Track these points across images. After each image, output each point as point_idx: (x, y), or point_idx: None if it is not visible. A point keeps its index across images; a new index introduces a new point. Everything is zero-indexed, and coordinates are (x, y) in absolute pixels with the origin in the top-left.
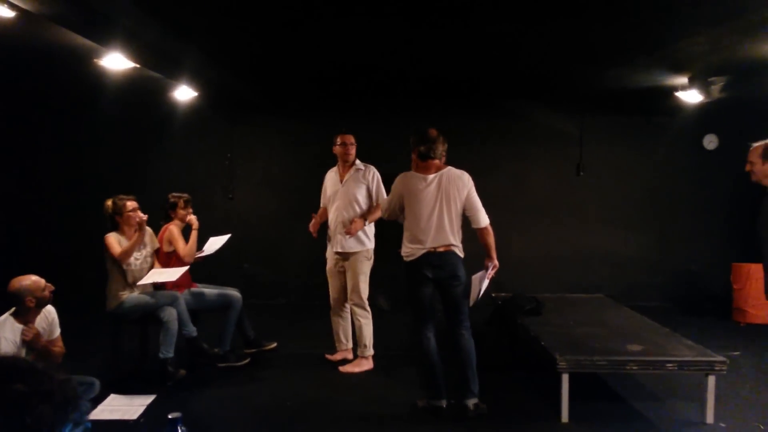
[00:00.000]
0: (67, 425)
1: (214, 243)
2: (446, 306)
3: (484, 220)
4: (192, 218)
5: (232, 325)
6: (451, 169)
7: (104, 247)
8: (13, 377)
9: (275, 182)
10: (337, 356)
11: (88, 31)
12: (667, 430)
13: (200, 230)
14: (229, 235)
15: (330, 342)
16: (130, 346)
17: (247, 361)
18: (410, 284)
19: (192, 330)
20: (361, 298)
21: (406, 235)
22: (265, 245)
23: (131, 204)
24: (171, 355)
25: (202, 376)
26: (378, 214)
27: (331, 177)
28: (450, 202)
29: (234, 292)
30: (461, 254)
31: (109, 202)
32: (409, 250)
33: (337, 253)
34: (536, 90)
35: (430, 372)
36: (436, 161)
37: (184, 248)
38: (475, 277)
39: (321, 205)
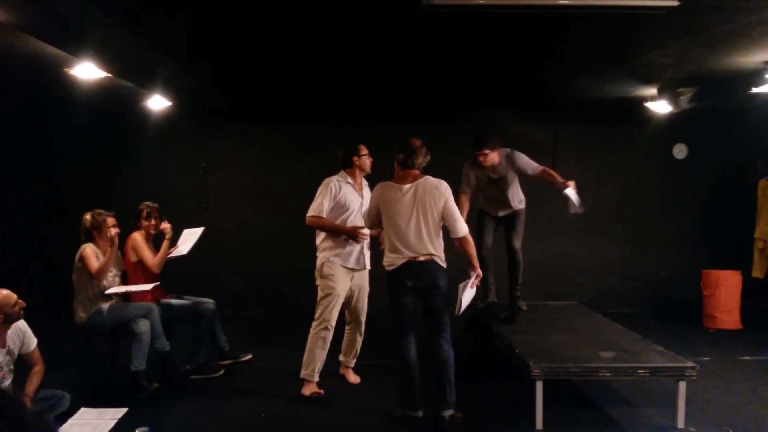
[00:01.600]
0: None
1: (189, 237)
2: (426, 316)
3: (461, 229)
4: (166, 227)
5: (205, 337)
6: (428, 179)
7: (79, 258)
8: None
9: (250, 192)
10: (353, 378)
11: (59, 40)
12: None
13: (176, 239)
14: (202, 229)
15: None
16: (101, 358)
17: (221, 372)
18: (392, 293)
19: (165, 344)
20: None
21: (386, 245)
22: (240, 255)
23: (111, 220)
24: (143, 367)
25: (176, 389)
26: None
27: (349, 189)
28: (426, 211)
29: (208, 303)
30: (443, 264)
31: (88, 216)
32: (390, 260)
33: (351, 269)
34: (509, 100)
35: (409, 382)
36: (415, 171)
37: (151, 258)
38: (460, 286)
39: (365, 223)
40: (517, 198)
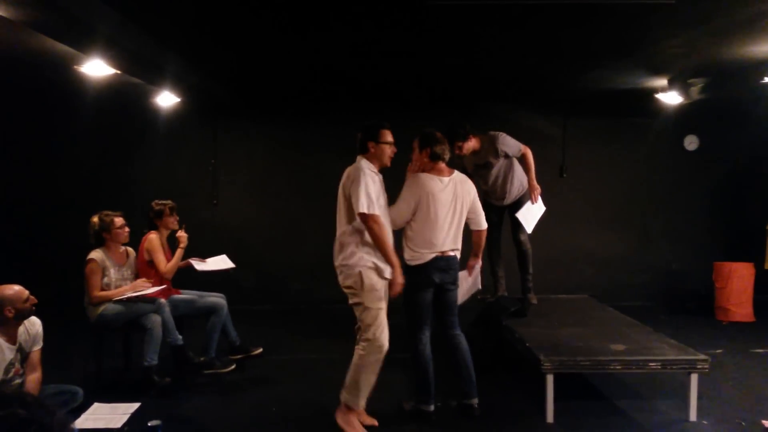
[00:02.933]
0: None
1: (216, 263)
2: (442, 309)
3: (484, 222)
4: (182, 235)
5: (217, 332)
6: (458, 173)
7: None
8: (17, 402)
9: (259, 187)
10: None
11: (68, 37)
12: (650, 428)
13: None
14: (233, 266)
15: (314, 348)
16: (114, 354)
17: (233, 367)
18: (413, 288)
19: (177, 338)
20: None
21: (412, 238)
22: (249, 250)
23: (119, 220)
24: (155, 362)
25: (188, 384)
26: None
27: (378, 182)
28: (463, 205)
29: (218, 298)
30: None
31: (96, 219)
32: (417, 254)
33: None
34: (518, 93)
35: (423, 376)
36: (444, 164)
37: (164, 265)
38: (462, 275)
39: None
40: (516, 184)
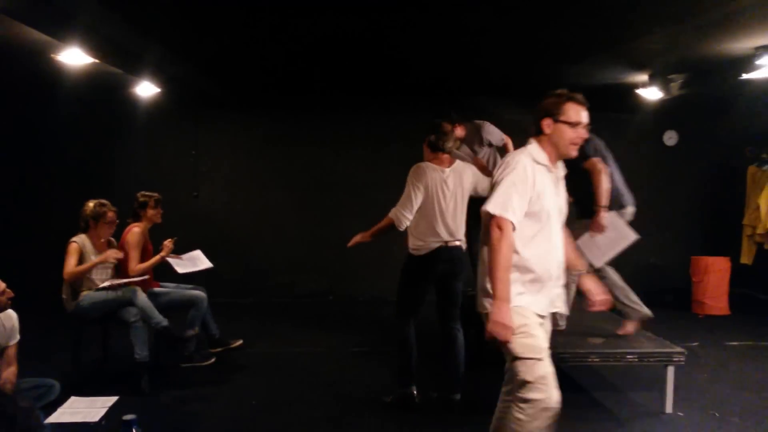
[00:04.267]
0: None
1: (194, 262)
2: (444, 301)
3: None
4: (168, 246)
5: (196, 325)
6: (459, 162)
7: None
8: None
9: (241, 180)
10: None
11: (45, 25)
12: (627, 420)
13: (167, 228)
14: (210, 265)
15: (295, 341)
16: (92, 346)
17: (212, 360)
18: (412, 278)
19: (161, 320)
20: None
21: (418, 227)
22: (231, 243)
23: (111, 215)
24: (146, 353)
25: (167, 377)
26: None
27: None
28: (464, 195)
29: (198, 291)
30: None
31: (91, 204)
32: (422, 243)
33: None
34: (498, 86)
35: (407, 361)
36: (446, 155)
37: (135, 264)
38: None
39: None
40: None
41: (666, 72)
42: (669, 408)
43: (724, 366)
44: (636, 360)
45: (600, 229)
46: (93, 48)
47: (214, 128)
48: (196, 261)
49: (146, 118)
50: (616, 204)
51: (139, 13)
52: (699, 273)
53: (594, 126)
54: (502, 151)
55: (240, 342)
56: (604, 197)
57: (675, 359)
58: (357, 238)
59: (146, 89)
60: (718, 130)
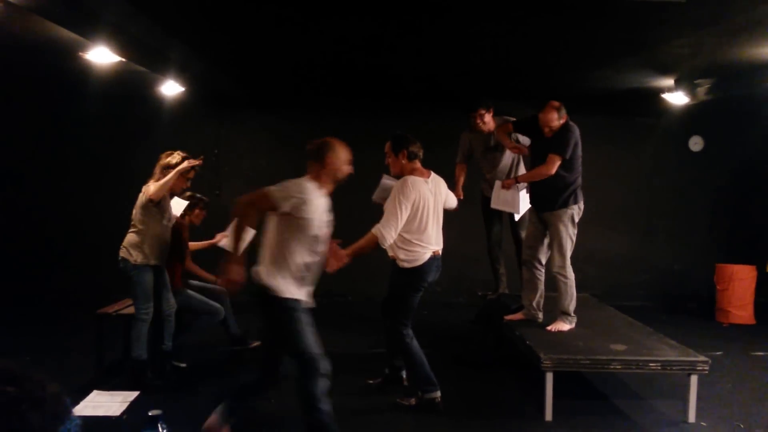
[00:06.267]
0: None
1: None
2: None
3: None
4: (221, 241)
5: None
6: (434, 174)
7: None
8: (4, 379)
9: (262, 178)
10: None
11: (74, 23)
12: (649, 429)
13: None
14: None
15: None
16: (115, 344)
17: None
18: (409, 289)
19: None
20: None
21: (409, 240)
22: (252, 241)
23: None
24: (143, 351)
25: (187, 374)
26: None
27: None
28: (442, 204)
29: (217, 304)
30: None
31: (177, 154)
32: (415, 255)
33: None
34: (522, 91)
35: (421, 367)
36: (419, 163)
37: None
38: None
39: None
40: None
41: (692, 77)
42: (692, 417)
43: (749, 376)
44: (659, 368)
45: (507, 186)
46: (120, 47)
47: (235, 127)
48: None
49: (170, 117)
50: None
51: (165, 11)
52: (724, 281)
53: (618, 131)
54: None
55: (258, 343)
56: (528, 177)
57: (699, 368)
58: (335, 265)
59: (171, 88)
60: (744, 136)
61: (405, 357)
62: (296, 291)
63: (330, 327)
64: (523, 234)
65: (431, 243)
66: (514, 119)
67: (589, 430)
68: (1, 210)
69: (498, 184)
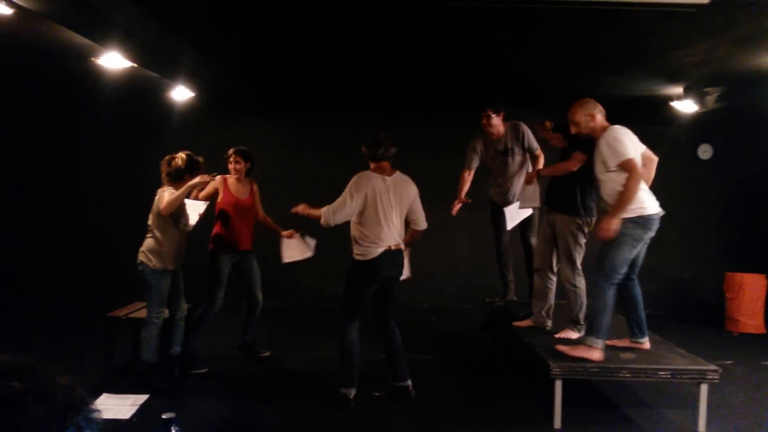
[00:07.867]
0: (68, 430)
1: (302, 250)
2: (383, 303)
3: (424, 223)
4: (205, 180)
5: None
6: (399, 172)
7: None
8: (11, 374)
9: (269, 183)
10: None
11: (86, 29)
12: None
13: (199, 228)
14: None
15: (321, 346)
16: (124, 344)
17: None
18: (358, 283)
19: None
20: None
21: (361, 234)
22: (259, 245)
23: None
24: (152, 353)
25: (198, 378)
26: None
27: None
28: (403, 202)
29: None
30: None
31: (184, 156)
32: (366, 249)
33: None
34: (531, 97)
35: (350, 362)
36: (386, 163)
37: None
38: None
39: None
40: (521, 187)
41: (702, 85)
42: (702, 427)
43: (760, 386)
44: (669, 377)
45: (529, 179)
46: (131, 52)
47: (246, 132)
48: (303, 248)
49: (180, 121)
50: (586, 211)
51: (176, 17)
52: (733, 289)
53: None
54: (534, 161)
55: (267, 353)
56: (550, 171)
57: (709, 377)
58: (299, 208)
59: (181, 93)
60: (753, 144)
61: (343, 350)
62: None
63: (334, 334)
64: (533, 240)
65: (385, 238)
66: (522, 123)
67: None
68: (15, 213)
69: (522, 185)
